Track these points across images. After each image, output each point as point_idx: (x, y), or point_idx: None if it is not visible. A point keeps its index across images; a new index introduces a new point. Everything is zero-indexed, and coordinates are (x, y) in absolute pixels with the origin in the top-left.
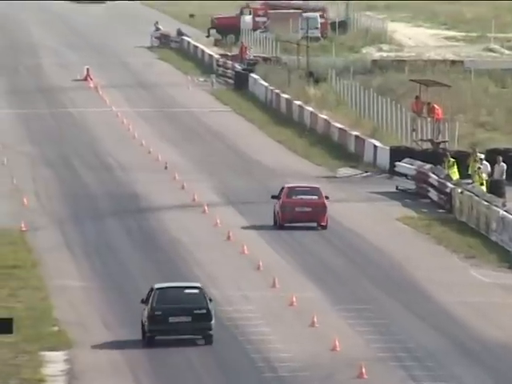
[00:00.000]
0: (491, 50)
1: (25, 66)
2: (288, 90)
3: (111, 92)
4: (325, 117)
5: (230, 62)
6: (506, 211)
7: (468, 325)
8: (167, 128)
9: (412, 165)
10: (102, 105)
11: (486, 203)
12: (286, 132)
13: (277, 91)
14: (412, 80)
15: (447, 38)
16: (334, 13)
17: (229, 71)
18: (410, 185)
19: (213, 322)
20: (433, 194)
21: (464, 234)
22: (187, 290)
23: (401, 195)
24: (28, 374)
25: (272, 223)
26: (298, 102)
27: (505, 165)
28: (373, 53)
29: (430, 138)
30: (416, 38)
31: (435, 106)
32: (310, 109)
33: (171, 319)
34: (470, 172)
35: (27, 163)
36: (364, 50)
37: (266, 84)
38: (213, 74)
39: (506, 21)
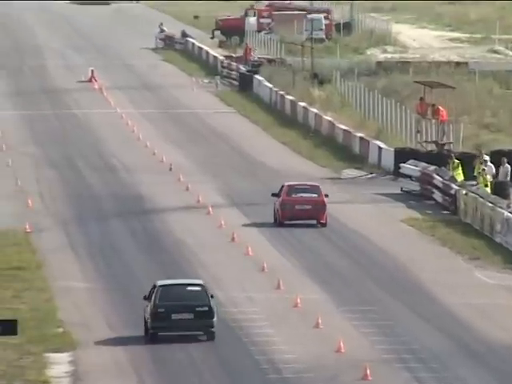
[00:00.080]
0: (496, 52)
1: (29, 67)
2: (292, 91)
3: (116, 93)
4: (329, 118)
5: (234, 64)
6: (510, 213)
7: (473, 326)
8: (172, 129)
9: (416, 166)
10: (107, 106)
11: (490, 205)
12: (290, 133)
13: (281, 93)
14: (416, 81)
15: (452, 40)
16: (339, 14)
17: (233, 73)
18: (415, 186)
19: (215, 319)
20: (437, 196)
21: (468, 235)
22: (189, 288)
23: (405, 197)
24: (32, 376)
25: (274, 222)
26: (302, 104)
27: (509, 166)
28: (377, 54)
29: (434, 139)
30: (420, 40)
31: (440, 107)
32: (315, 110)
33: (174, 316)
34: (475, 174)
35: (31, 164)
36: (368, 52)
37: (270, 85)
38: (217, 76)
39: (511, 22)
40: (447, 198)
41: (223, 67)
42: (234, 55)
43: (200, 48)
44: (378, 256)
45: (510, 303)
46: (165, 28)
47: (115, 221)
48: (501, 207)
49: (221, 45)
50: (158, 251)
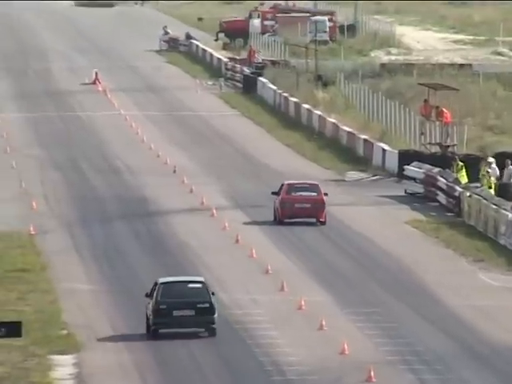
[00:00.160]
0: (499, 54)
1: (34, 69)
2: (296, 93)
3: (120, 95)
4: (333, 120)
5: (238, 66)
6: None
7: (477, 328)
8: (176, 131)
9: (420, 168)
10: (111, 108)
11: (494, 207)
12: (294, 135)
13: (285, 95)
14: (420, 84)
15: (455, 42)
16: (343, 16)
17: (237, 75)
18: (419, 188)
19: (216, 315)
20: (441, 198)
21: (472, 237)
22: (191, 285)
23: (409, 199)
24: (37, 378)
25: (274, 221)
26: (306, 106)
27: None
28: (381, 56)
29: (438, 141)
30: (424, 42)
31: (444, 109)
32: (319, 112)
33: (175, 313)
34: (480, 176)
35: (36, 166)
36: (372, 54)
37: (274, 87)
38: (221, 78)
39: None
40: (451, 200)
41: (227, 69)
42: (238, 57)
43: (204, 50)
44: (382, 258)
45: None
46: (169, 30)
47: (119, 223)
48: (505, 209)
49: (225, 47)
50: (162, 253)
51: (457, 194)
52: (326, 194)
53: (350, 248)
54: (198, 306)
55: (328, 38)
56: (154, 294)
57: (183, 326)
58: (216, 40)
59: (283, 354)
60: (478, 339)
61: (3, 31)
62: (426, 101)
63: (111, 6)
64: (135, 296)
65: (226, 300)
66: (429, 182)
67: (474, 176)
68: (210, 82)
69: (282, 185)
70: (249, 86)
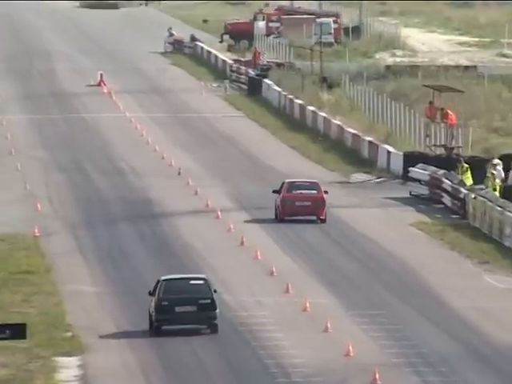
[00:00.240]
0: (504, 56)
1: (38, 70)
2: (301, 95)
3: (125, 97)
4: (338, 122)
5: (243, 68)
6: None
7: (482, 330)
8: (180, 133)
9: (425, 170)
10: (116, 110)
11: (499, 209)
12: (299, 137)
13: (290, 97)
14: (425, 85)
15: (460, 44)
16: (348, 18)
17: (242, 77)
18: (424, 190)
19: (217, 311)
20: (446, 200)
21: (477, 239)
22: (192, 281)
23: (414, 201)
24: (41, 380)
25: (275, 218)
26: (311, 108)
27: None
28: (386, 58)
29: (443, 143)
30: (429, 44)
31: (449, 111)
32: (324, 114)
33: (177, 309)
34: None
35: (40, 168)
36: (377, 56)
37: (279, 89)
38: (226, 80)
39: None
40: (456, 202)
41: (232, 71)
42: (242, 59)
43: (209, 52)
44: (387, 260)
45: None
46: (174, 32)
47: (124, 225)
48: (510, 211)
49: (230, 49)
50: (166, 255)
51: (462, 195)
52: (326, 192)
53: (354, 250)
54: (200, 302)
55: (333, 40)
56: (157, 291)
57: (185, 322)
58: (221, 42)
59: (288, 356)
60: (483, 341)
61: (7, 32)
62: (430, 103)
63: (116, 7)
64: (140, 298)
65: (230, 302)
66: (434, 183)
67: (479, 178)
68: (214, 84)
69: (283, 183)
70: (254, 88)
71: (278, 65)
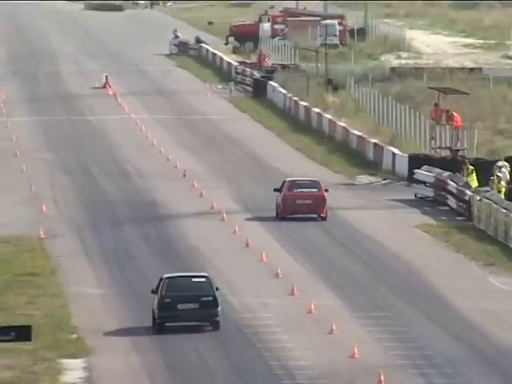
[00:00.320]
0: (510, 58)
1: (44, 73)
2: (306, 97)
3: (130, 99)
4: (343, 124)
5: (248, 70)
6: None
7: (486, 332)
8: (186, 135)
9: (431, 172)
10: (121, 112)
11: (504, 211)
12: (304, 139)
13: (295, 99)
14: (431, 87)
15: (465, 46)
16: (353, 20)
17: (247, 79)
18: (429, 192)
19: (219, 308)
20: (451, 202)
21: (483, 241)
22: (195, 279)
23: (419, 203)
24: (47, 382)
25: (276, 217)
26: (316, 110)
27: None
28: (391, 60)
29: (448, 145)
30: (434, 46)
31: (454, 113)
32: (329, 116)
33: (180, 306)
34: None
35: (46, 170)
36: (383, 58)
37: (284, 91)
38: (231, 82)
39: None
40: (461, 204)
41: (237, 73)
42: (248, 61)
43: (214, 54)
44: (392, 262)
45: None
46: (179, 34)
47: (129, 227)
48: None
49: (235, 51)
50: (171, 257)
51: (467, 197)
52: (326, 191)
53: (359, 251)
54: (202, 299)
55: (338, 42)
56: (159, 289)
57: (188, 320)
58: (226, 44)
59: (293, 358)
60: (488, 343)
61: (13, 33)
62: (436, 105)
63: (121, 9)
64: (145, 300)
65: (236, 304)
66: (439, 185)
67: (484, 180)
68: (219, 86)
69: (284, 181)
70: (259, 90)
71: (283, 67)
